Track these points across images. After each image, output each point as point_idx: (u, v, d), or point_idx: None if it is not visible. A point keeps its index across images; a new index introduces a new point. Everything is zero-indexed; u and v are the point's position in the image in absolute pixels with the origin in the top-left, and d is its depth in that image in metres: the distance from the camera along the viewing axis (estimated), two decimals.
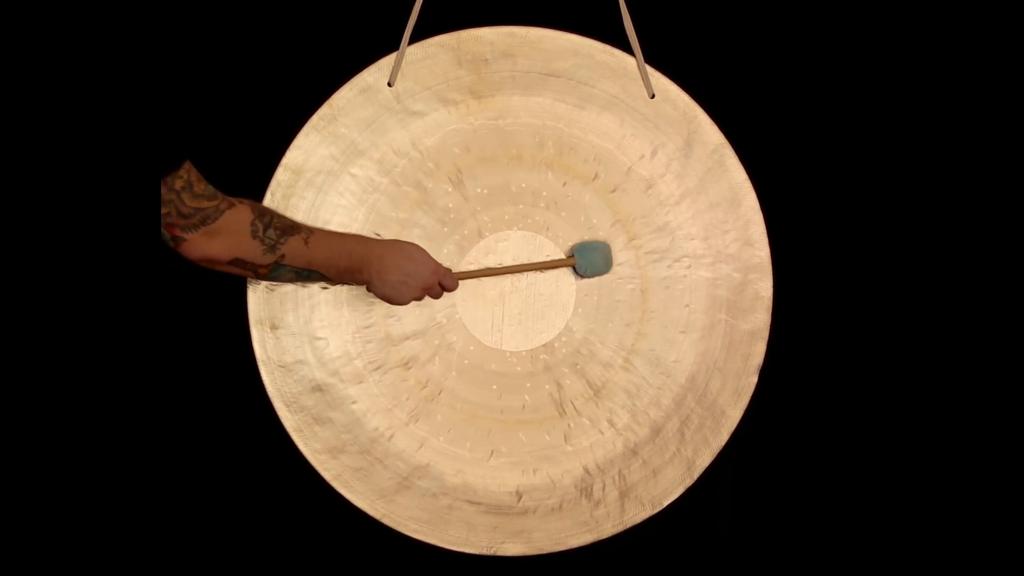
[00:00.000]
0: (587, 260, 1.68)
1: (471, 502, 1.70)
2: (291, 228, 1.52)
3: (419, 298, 1.61)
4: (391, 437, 1.69)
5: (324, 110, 1.65)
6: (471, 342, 1.70)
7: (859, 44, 1.95)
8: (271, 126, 1.71)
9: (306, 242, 1.52)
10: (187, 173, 1.41)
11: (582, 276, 1.69)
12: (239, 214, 1.46)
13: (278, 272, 1.53)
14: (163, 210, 1.39)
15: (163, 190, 1.38)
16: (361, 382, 1.68)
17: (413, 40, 1.65)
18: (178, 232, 1.42)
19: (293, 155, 1.65)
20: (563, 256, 1.69)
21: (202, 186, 1.43)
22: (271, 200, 1.65)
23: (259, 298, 1.64)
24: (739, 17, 1.93)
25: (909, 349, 2.01)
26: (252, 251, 1.47)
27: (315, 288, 1.66)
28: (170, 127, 1.37)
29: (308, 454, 1.66)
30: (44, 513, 1.26)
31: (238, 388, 1.77)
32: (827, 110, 1.97)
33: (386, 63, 1.66)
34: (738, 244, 1.73)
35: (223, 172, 1.94)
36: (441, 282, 1.62)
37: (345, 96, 1.66)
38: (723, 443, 1.72)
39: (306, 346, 1.67)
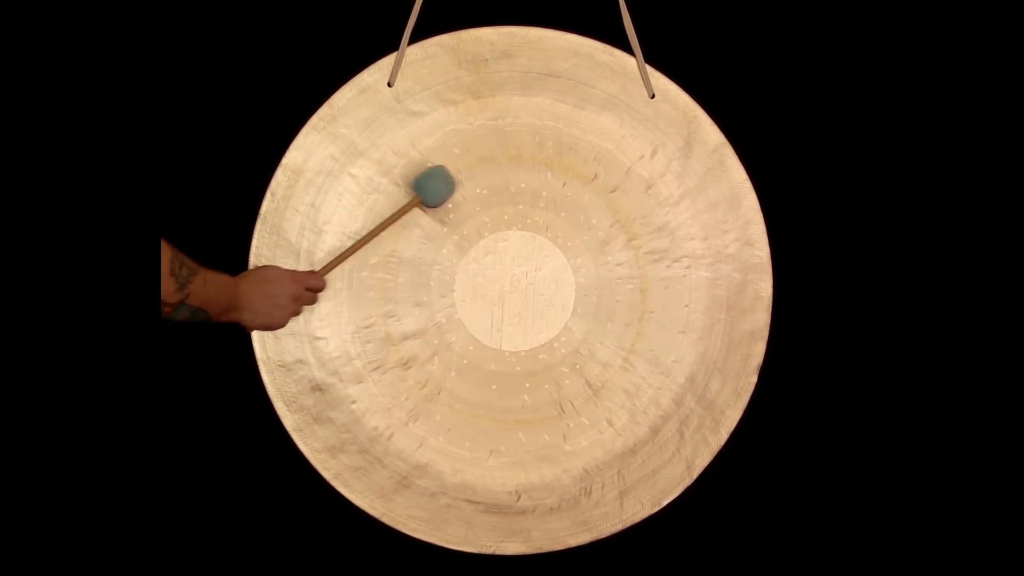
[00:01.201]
0: (429, 190, 1.65)
1: (470, 501, 1.70)
2: (195, 268, 1.49)
3: (296, 312, 1.61)
4: (390, 436, 1.69)
5: (324, 110, 1.66)
6: (470, 342, 1.70)
7: (859, 44, 1.95)
8: (271, 126, 1.71)
9: (205, 282, 1.49)
10: None
11: (433, 205, 1.66)
12: (160, 251, 1.44)
13: (178, 311, 1.50)
14: None
15: None
16: (361, 382, 1.69)
17: (413, 40, 1.65)
18: None
19: (293, 155, 1.66)
20: (407, 201, 1.66)
21: None
22: (271, 200, 1.66)
23: None
24: (739, 17, 1.93)
25: (909, 349, 2.01)
26: (167, 288, 1.45)
27: None
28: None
29: (308, 453, 1.67)
30: (44, 513, 1.27)
31: (238, 388, 1.77)
32: (827, 110, 1.97)
33: (386, 63, 1.66)
34: (738, 244, 1.73)
35: (223, 172, 1.95)
36: (307, 287, 1.62)
37: (345, 96, 1.66)
38: (722, 443, 1.72)
39: (306, 346, 1.67)
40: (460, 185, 1.68)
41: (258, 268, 1.62)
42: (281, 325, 1.61)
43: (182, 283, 1.46)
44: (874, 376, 2.02)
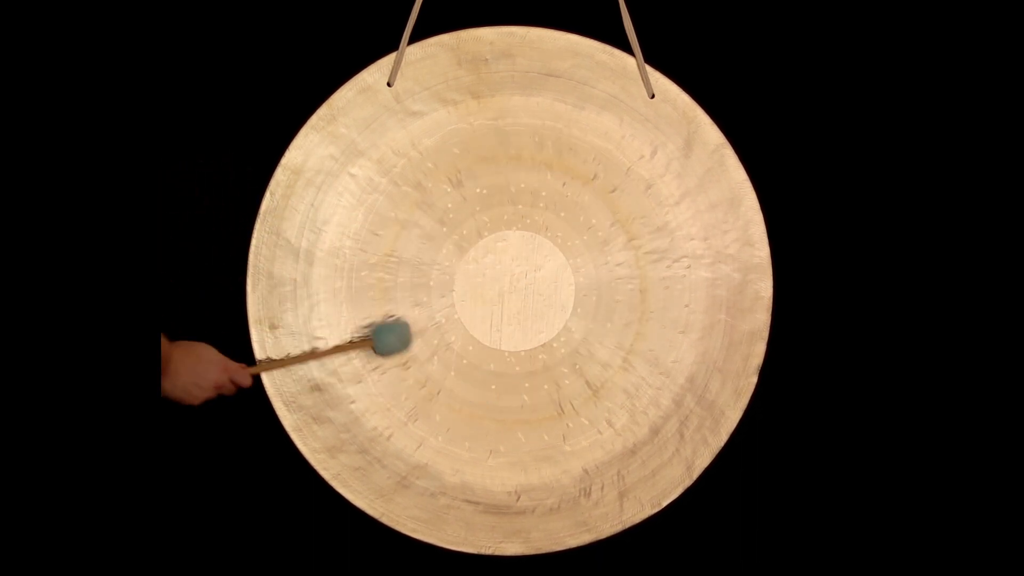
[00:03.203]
0: (383, 341, 1.66)
1: (469, 502, 1.70)
2: None
3: (211, 397, 1.61)
4: (390, 437, 1.69)
5: (324, 110, 1.66)
6: (470, 342, 1.70)
7: (859, 44, 1.95)
8: (271, 126, 1.71)
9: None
10: None
11: (380, 355, 1.67)
12: None
13: None
14: None
15: None
16: (360, 382, 1.69)
17: (413, 40, 1.65)
18: None
19: (293, 155, 1.65)
20: (366, 336, 1.68)
21: None
22: (271, 200, 1.66)
23: (258, 298, 1.65)
24: (739, 17, 1.93)
25: (909, 349, 2.01)
26: None
27: (314, 288, 1.67)
28: None
29: (307, 453, 1.66)
30: (44, 512, 1.27)
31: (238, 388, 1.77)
32: (827, 110, 1.97)
33: (386, 63, 1.66)
34: (738, 244, 1.73)
35: (223, 172, 1.95)
36: (232, 379, 1.62)
37: (345, 96, 1.66)
38: (722, 443, 1.72)
39: (305, 345, 1.67)
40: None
41: (195, 344, 1.61)
42: (193, 404, 1.61)
43: None
44: (874, 376, 2.01)
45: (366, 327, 1.68)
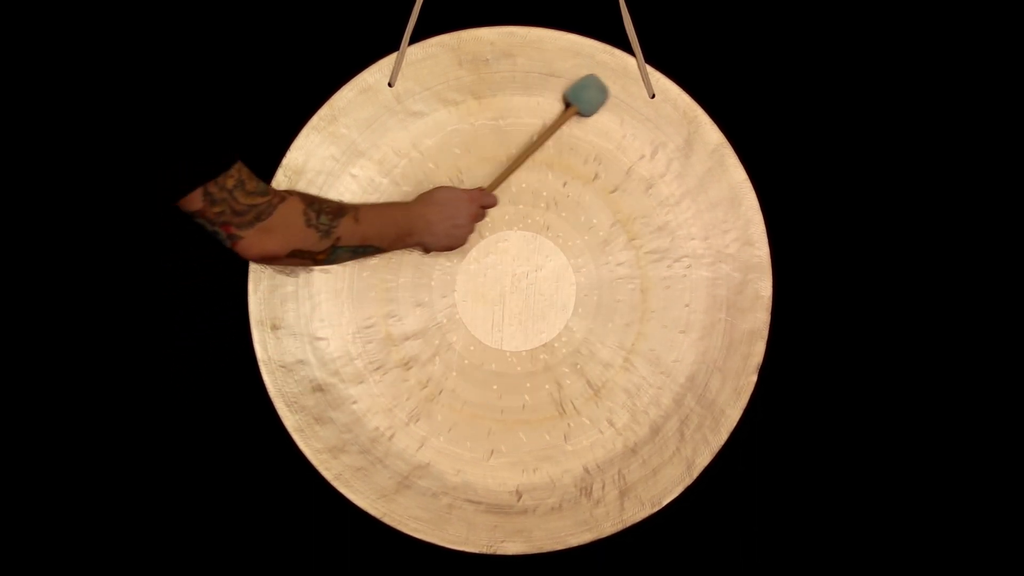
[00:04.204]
0: (585, 99, 1.67)
1: (471, 501, 1.70)
2: (340, 209, 1.52)
3: (471, 231, 1.65)
4: (391, 437, 1.69)
5: (324, 110, 1.65)
6: (471, 342, 1.70)
7: (859, 44, 1.95)
8: (272, 126, 1.71)
9: (356, 219, 1.53)
10: (238, 172, 1.41)
11: (589, 115, 1.68)
12: (291, 206, 1.47)
13: (335, 255, 1.53)
14: (216, 209, 1.40)
15: (215, 190, 1.39)
16: (362, 382, 1.69)
17: (413, 40, 1.65)
18: (233, 230, 1.42)
19: (293, 155, 1.65)
20: (562, 111, 1.68)
21: (253, 183, 1.43)
22: None
23: (260, 298, 1.65)
24: (739, 17, 1.93)
25: (908, 349, 2.01)
26: (309, 240, 1.48)
27: (315, 288, 1.66)
28: (220, 128, 1.38)
29: (309, 454, 1.66)
30: (44, 512, 1.26)
31: (239, 388, 1.77)
32: (827, 110, 1.97)
33: (386, 63, 1.66)
34: (738, 244, 1.74)
35: None
36: (481, 204, 1.65)
37: (345, 96, 1.66)
38: (722, 442, 1.73)
39: (307, 346, 1.67)
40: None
41: (431, 191, 1.63)
42: (460, 245, 1.65)
43: (325, 230, 1.47)
44: (874, 375, 2.02)
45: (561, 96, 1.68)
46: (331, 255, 1.52)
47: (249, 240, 1.43)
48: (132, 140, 1.28)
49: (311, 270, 1.64)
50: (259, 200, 1.43)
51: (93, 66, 1.26)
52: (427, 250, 1.65)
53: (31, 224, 1.33)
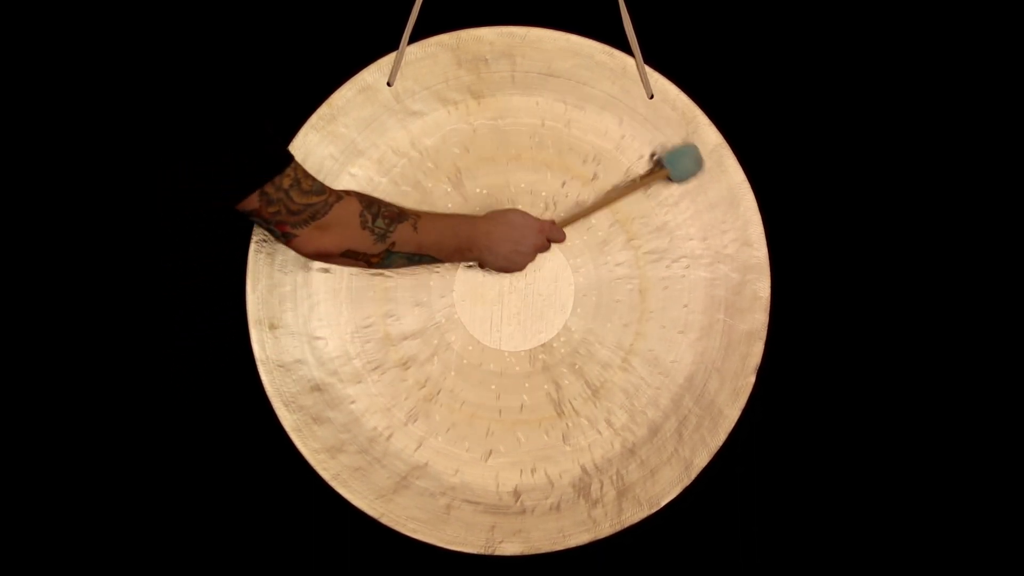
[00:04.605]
0: (680, 167, 1.68)
1: (469, 502, 1.70)
2: (399, 215, 1.53)
3: (532, 260, 1.64)
4: (390, 437, 1.69)
5: (323, 110, 1.65)
6: (470, 342, 1.70)
7: (859, 44, 1.95)
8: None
9: (415, 227, 1.54)
10: (294, 171, 1.43)
11: (678, 182, 1.70)
12: (348, 206, 1.48)
13: (390, 259, 1.54)
14: (272, 209, 1.41)
15: (271, 190, 1.40)
16: (360, 382, 1.68)
17: (413, 40, 1.65)
18: (288, 228, 1.44)
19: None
20: (652, 169, 1.69)
21: (309, 182, 1.45)
22: None
23: (258, 298, 1.65)
24: (739, 17, 1.93)
25: (908, 349, 2.02)
26: (363, 241, 1.49)
27: (314, 288, 1.66)
28: (272, 128, 1.40)
29: (307, 453, 1.66)
30: (44, 512, 1.26)
31: (237, 388, 1.77)
32: (826, 110, 1.97)
33: (386, 63, 1.66)
34: (736, 244, 1.74)
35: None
36: (549, 237, 1.65)
37: (345, 96, 1.66)
38: (721, 443, 1.73)
39: (305, 346, 1.67)
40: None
41: (504, 211, 1.64)
42: (518, 270, 1.65)
43: (381, 234, 1.48)
44: (873, 376, 2.02)
45: (652, 157, 1.69)
46: (386, 259, 1.53)
47: (304, 237, 1.45)
48: (183, 144, 1.30)
49: (369, 272, 1.65)
50: (315, 199, 1.44)
51: (101, 67, 1.26)
52: (484, 266, 1.65)
53: (31, 224, 1.33)
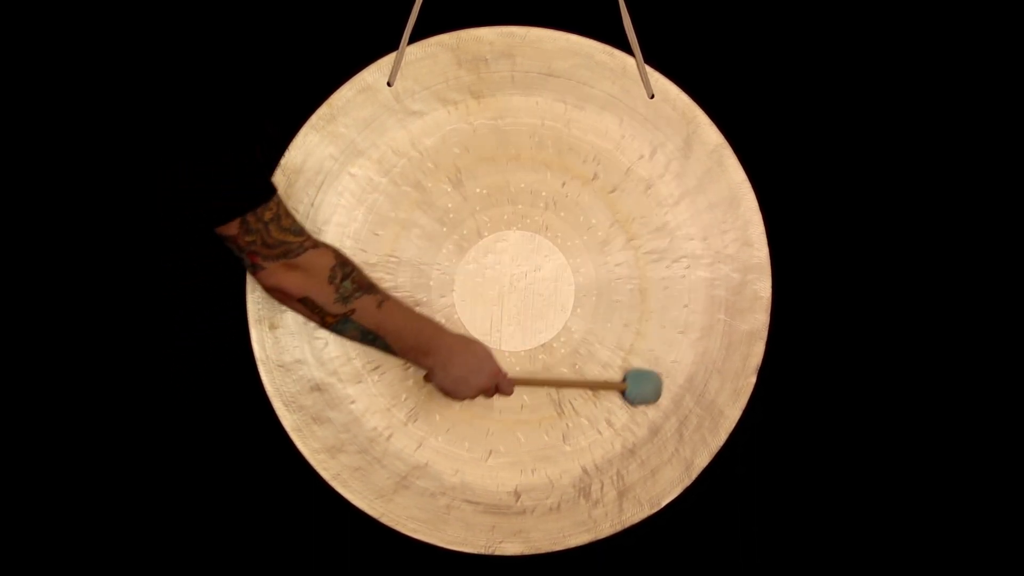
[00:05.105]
0: (637, 390, 1.69)
1: (469, 502, 1.70)
2: (368, 287, 1.53)
3: (473, 397, 1.63)
4: (390, 437, 1.69)
5: (323, 110, 1.65)
6: None
7: (859, 45, 1.95)
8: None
9: (379, 305, 1.54)
10: (276, 206, 1.45)
11: (631, 403, 1.70)
12: (321, 256, 1.49)
13: (344, 326, 1.54)
14: (249, 238, 1.43)
15: (252, 220, 1.42)
16: (360, 382, 1.68)
17: (413, 40, 1.64)
18: (259, 260, 1.46)
19: (292, 155, 1.65)
20: (614, 379, 1.71)
21: (289, 220, 1.46)
22: None
23: (258, 298, 1.64)
24: (739, 17, 1.93)
25: (908, 349, 2.01)
26: (324, 296, 1.49)
27: None
28: (266, 158, 1.42)
29: (307, 453, 1.66)
30: (44, 512, 1.26)
31: (237, 388, 1.77)
32: (826, 111, 1.97)
33: (386, 63, 1.66)
34: (737, 244, 1.74)
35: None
36: (499, 385, 1.64)
37: (344, 96, 1.66)
38: (721, 443, 1.73)
39: (305, 346, 1.67)
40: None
41: (472, 340, 1.65)
42: (457, 399, 1.63)
43: (344, 295, 1.49)
44: (873, 376, 2.02)
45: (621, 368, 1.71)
46: (341, 323, 1.53)
47: (269, 271, 1.46)
48: (184, 144, 1.31)
49: (319, 329, 1.63)
50: (291, 238, 1.45)
51: (102, 67, 1.26)
52: (428, 379, 1.63)
53: (32, 224, 1.33)
